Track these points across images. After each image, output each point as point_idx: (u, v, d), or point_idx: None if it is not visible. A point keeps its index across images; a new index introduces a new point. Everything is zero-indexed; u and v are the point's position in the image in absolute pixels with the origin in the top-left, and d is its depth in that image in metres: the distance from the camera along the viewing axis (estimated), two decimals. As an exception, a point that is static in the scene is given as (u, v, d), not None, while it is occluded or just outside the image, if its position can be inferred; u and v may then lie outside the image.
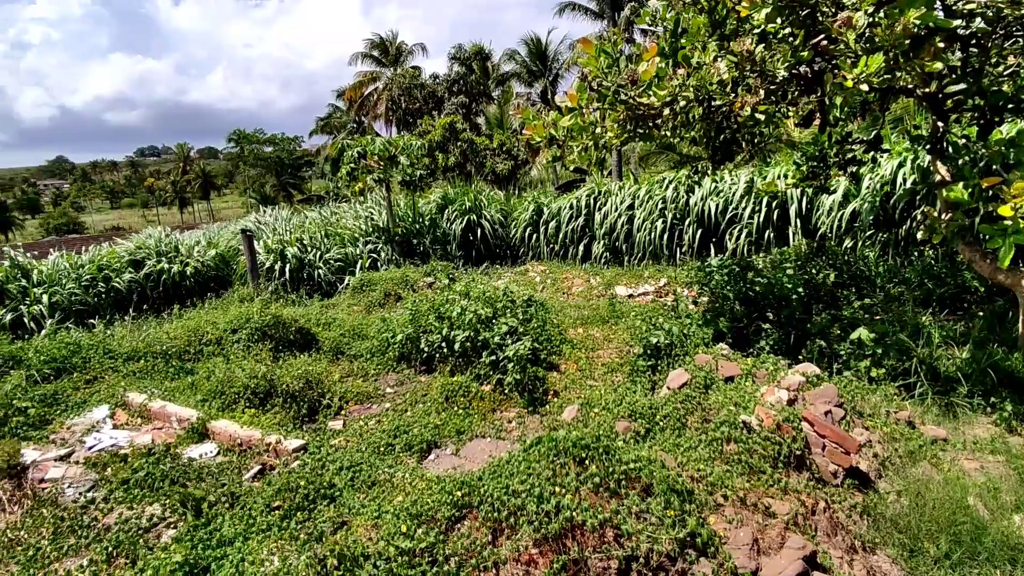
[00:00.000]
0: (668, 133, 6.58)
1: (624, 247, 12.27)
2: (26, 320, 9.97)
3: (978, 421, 4.77)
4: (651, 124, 6.04)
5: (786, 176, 9.43)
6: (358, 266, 11.67)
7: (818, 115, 6.37)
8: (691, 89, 5.32)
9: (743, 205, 10.92)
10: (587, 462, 3.34)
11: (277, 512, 3.57)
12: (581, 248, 12.80)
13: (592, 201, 13.08)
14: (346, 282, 11.27)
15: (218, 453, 4.53)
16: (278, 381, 5.41)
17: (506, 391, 5.48)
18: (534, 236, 13.67)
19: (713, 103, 5.41)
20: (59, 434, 5.03)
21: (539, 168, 25.94)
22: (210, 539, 3.34)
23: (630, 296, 9.57)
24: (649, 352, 5.64)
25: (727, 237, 11.05)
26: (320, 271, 11.56)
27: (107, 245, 12.94)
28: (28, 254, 11.97)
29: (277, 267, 11.52)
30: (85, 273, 11.26)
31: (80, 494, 4.18)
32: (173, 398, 5.49)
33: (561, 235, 13.14)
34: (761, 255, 10.11)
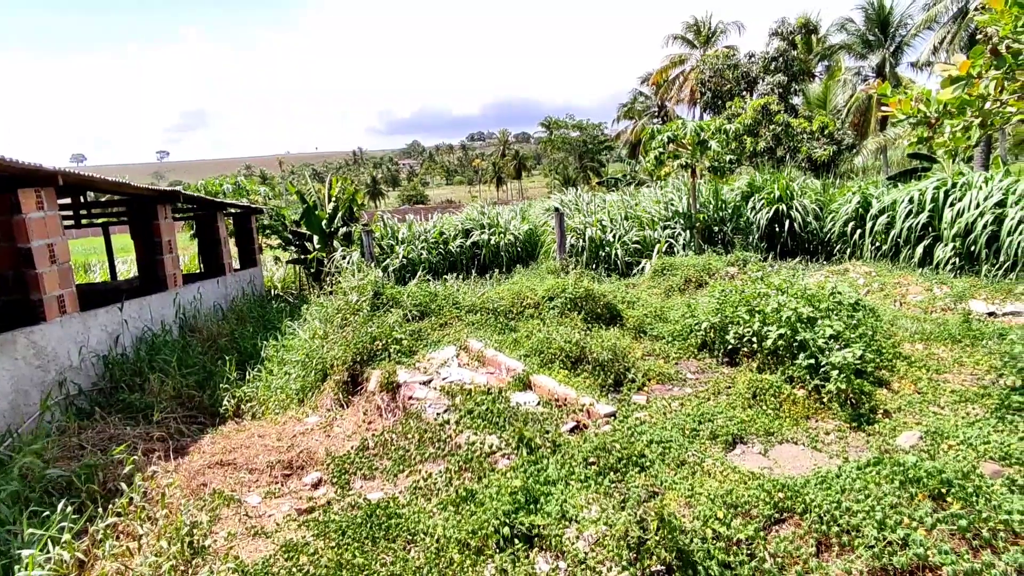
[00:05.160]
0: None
1: (984, 253, 9.91)
2: (390, 270, 12.63)
3: None
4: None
5: None
6: (655, 250, 11.81)
7: None
8: None
9: None
10: (947, 499, 2.88)
11: (593, 467, 3.92)
12: (919, 250, 10.76)
13: (942, 195, 10.83)
14: (642, 264, 11.53)
15: (538, 403, 5.14)
16: (588, 349, 5.87)
17: (824, 399, 5.00)
18: (856, 232, 11.97)
19: None
20: (421, 364, 6.31)
21: (866, 154, 22.40)
22: (539, 476, 3.84)
23: (991, 314, 7.74)
24: (1032, 387, 4.51)
25: None
26: (617, 251, 12.05)
27: (446, 215, 15.55)
28: (394, 218, 15.10)
29: (579, 244, 12.37)
30: (430, 237, 13.73)
31: (438, 414, 5.21)
32: (501, 349, 6.40)
33: (893, 233, 11.24)
34: None
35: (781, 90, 26.12)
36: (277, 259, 17.05)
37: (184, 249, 21.40)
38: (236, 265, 13.82)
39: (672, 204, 13.20)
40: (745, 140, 18.39)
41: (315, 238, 14.40)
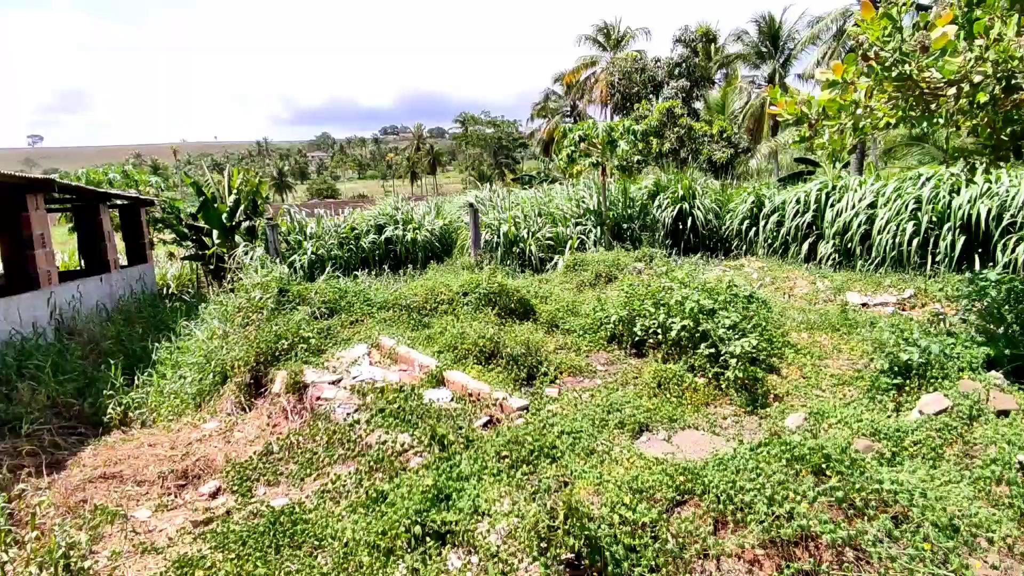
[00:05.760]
0: (942, 120, 5.69)
1: (859, 250, 10.91)
2: (297, 266, 12.11)
3: None
4: (928, 106, 5.26)
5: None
6: (567, 246, 12.07)
7: None
8: (988, 64, 4.52)
9: (1029, 212, 8.99)
10: (827, 473, 3.13)
11: (505, 461, 3.94)
12: (805, 247, 11.68)
13: (824, 196, 11.82)
14: (555, 260, 11.74)
15: (452, 399, 5.11)
16: (502, 344, 5.90)
17: (722, 386, 5.31)
18: (752, 230, 12.81)
19: (1015, 79, 4.54)
20: (331, 363, 6.09)
21: (760, 158, 24.05)
22: (451, 472, 3.81)
23: (864, 305, 8.53)
24: (896, 369, 5.01)
25: (999, 248, 9.21)
26: (531, 247, 12.19)
27: (358, 210, 15.13)
28: (302, 212, 14.49)
29: (493, 240, 12.41)
30: (341, 232, 13.29)
31: (347, 414, 5.04)
32: (414, 346, 6.29)
33: (783, 231, 12.12)
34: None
35: (684, 95, 27.54)
36: (172, 255, 15.89)
37: (62, 244, 19.47)
38: (123, 262, 12.74)
39: (583, 202, 13.54)
40: (652, 141, 19.20)
41: (214, 233, 13.53)
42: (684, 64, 29.50)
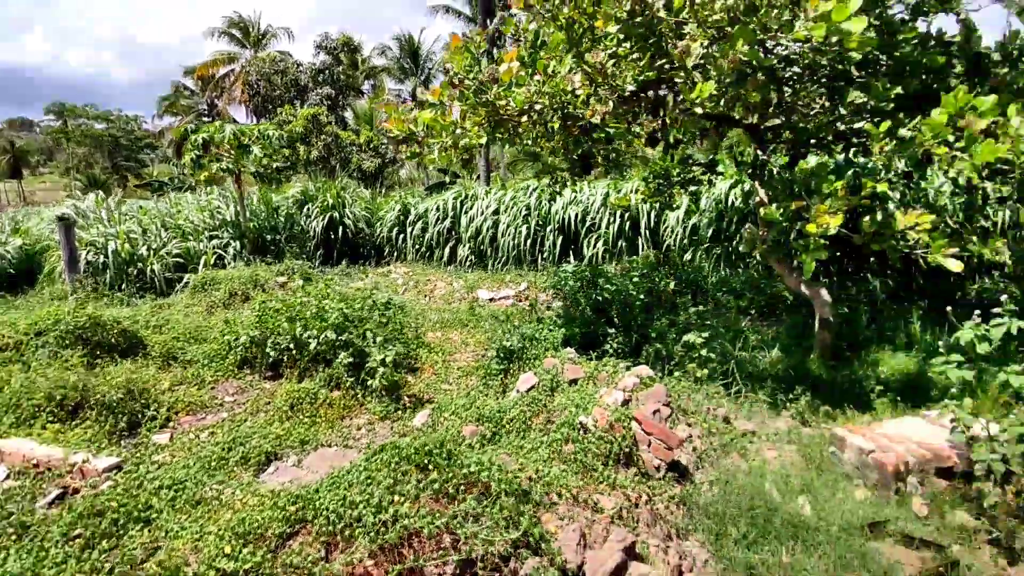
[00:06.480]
0: (530, 142, 6.79)
1: (489, 251, 12.48)
2: None
3: (781, 415, 5.44)
4: (512, 129, 6.19)
5: (637, 191, 10.19)
6: (201, 263, 10.70)
7: (660, 136, 6.86)
8: (546, 96, 5.53)
9: (600, 215, 11.59)
10: (429, 468, 3.34)
11: (77, 541, 3.15)
12: (447, 251, 12.83)
13: (459, 204, 13.16)
14: (186, 279, 10.29)
15: (7, 476, 3.91)
16: (92, 391, 4.79)
17: (358, 396, 5.32)
18: (400, 237, 13.47)
19: (566, 110, 5.66)
20: None
21: (410, 168, 25.56)
22: (-14, 580, 2.87)
23: (491, 300, 9.74)
24: (503, 355, 5.77)
25: (585, 245, 11.66)
26: (155, 267, 10.42)
27: None
28: None
29: (100, 262, 10.21)
30: None
31: None
32: (-49, 414, 4.65)
33: (427, 237, 13.08)
34: (614, 263, 10.81)
35: (330, 102, 27.43)
36: None
37: None
38: None
39: (219, 212, 12.23)
40: (299, 148, 18.58)
41: None
42: (328, 71, 29.40)
